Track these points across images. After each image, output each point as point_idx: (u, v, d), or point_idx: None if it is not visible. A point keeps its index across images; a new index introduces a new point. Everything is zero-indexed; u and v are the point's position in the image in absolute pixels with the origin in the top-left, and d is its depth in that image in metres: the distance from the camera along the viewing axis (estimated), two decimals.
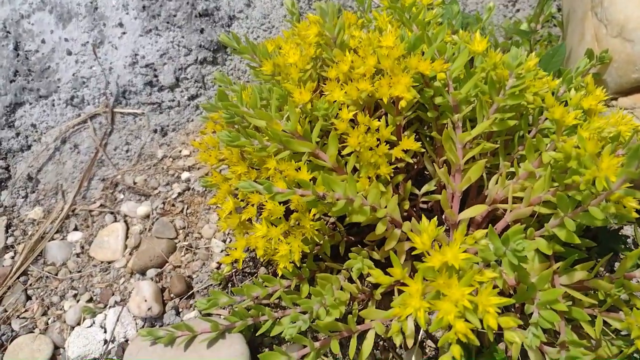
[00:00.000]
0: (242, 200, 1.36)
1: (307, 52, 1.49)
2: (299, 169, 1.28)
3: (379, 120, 1.29)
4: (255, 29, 2.02)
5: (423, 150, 1.39)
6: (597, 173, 1.07)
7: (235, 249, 1.31)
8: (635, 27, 1.51)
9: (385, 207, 1.27)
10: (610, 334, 1.41)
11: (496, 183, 1.44)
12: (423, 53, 1.37)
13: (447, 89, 1.36)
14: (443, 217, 1.58)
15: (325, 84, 1.55)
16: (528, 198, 1.30)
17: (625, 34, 1.53)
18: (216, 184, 1.49)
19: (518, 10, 2.46)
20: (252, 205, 1.35)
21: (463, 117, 1.35)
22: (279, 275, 1.35)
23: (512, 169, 1.44)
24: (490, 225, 1.15)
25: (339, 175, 1.36)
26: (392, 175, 1.29)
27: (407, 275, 1.07)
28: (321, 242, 1.33)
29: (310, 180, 1.28)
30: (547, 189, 1.27)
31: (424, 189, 1.45)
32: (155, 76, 1.88)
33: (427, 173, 1.56)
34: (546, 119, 1.43)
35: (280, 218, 1.28)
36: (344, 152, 1.30)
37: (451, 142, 1.36)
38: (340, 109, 1.33)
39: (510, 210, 1.35)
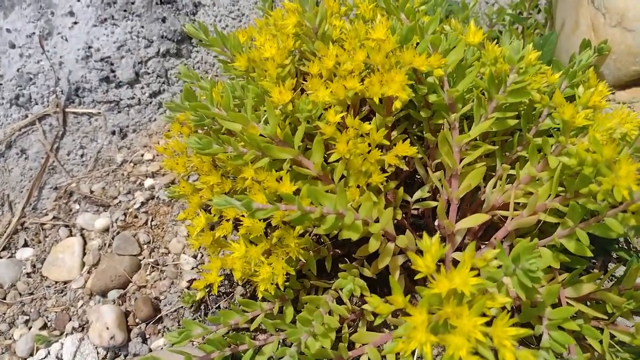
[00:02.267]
0: (215, 215, 1.21)
1: (285, 44, 1.33)
2: (281, 179, 1.14)
3: (369, 122, 1.15)
4: (223, 17, 1.85)
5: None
6: (615, 181, 0.96)
7: (209, 271, 1.16)
8: (636, 16, 1.42)
9: (378, 220, 1.14)
10: (615, 345, 1.33)
11: (494, 187, 1.33)
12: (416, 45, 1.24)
13: (441, 85, 1.23)
14: (436, 224, 1.46)
15: (305, 80, 1.41)
16: (532, 206, 1.19)
17: (626, 23, 1.43)
18: (184, 195, 1.34)
19: None
20: (228, 220, 1.20)
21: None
22: (259, 298, 1.20)
23: (511, 172, 1.32)
24: (498, 242, 1.03)
25: (324, 184, 1.22)
26: (384, 183, 1.16)
27: (409, 304, 0.94)
28: (306, 259, 1.19)
29: (293, 192, 1.14)
30: (553, 195, 1.16)
31: (417, 195, 1.33)
32: (112, 71, 1.69)
33: (418, 177, 1.44)
34: (548, 115, 1.32)
35: (260, 236, 1.13)
36: (330, 159, 1.15)
37: (447, 145, 1.24)
38: (325, 110, 1.19)
39: (512, 218, 1.24)
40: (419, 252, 0.99)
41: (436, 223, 1.44)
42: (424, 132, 1.37)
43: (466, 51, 1.35)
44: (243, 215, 1.17)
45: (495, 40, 2.05)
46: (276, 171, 1.19)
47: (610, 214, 1.02)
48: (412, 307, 0.93)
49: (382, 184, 1.16)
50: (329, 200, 1.06)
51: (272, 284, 1.13)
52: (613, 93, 1.57)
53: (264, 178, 1.17)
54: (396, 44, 1.17)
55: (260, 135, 1.16)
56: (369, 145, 1.13)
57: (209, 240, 1.19)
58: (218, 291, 1.42)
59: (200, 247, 1.50)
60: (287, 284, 1.27)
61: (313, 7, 1.32)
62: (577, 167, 1.04)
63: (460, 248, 1.31)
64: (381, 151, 1.17)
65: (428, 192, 1.35)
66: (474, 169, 1.22)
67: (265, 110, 1.27)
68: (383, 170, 1.16)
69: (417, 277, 0.97)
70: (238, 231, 1.19)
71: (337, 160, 1.16)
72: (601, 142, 1.08)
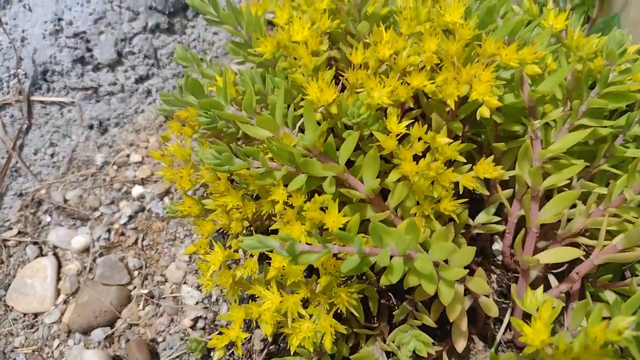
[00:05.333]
0: (236, 251, 0.94)
1: (319, 24, 1.05)
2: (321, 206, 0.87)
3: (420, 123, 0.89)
4: None
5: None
6: None
7: (230, 323, 0.90)
8: None
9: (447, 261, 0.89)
10: None
11: (570, 208, 1.09)
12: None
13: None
14: (496, 248, 1.22)
15: (339, 70, 1.13)
16: (634, 239, 0.96)
17: None
18: (189, 214, 1.06)
19: None
20: (252, 256, 0.93)
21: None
22: (291, 351, 0.94)
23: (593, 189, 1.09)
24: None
25: (376, 209, 0.96)
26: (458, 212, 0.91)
27: None
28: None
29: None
30: None
31: (481, 218, 1.09)
32: (89, 50, 1.37)
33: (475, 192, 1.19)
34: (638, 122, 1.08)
35: (298, 281, 0.87)
36: (389, 180, 0.89)
37: (527, 161, 0.99)
38: (379, 113, 0.93)
39: (601, 249, 1.01)
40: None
41: (496, 247, 1.21)
42: (488, 139, 1.12)
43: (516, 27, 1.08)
44: (271, 251, 0.91)
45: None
46: (317, 194, 0.92)
47: None
48: None
49: (455, 213, 0.90)
50: (396, 239, 0.81)
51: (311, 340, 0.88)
52: None
53: (300, 203, 0.91)
54: (475, 30, 0.90)
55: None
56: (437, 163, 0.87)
57: (228, 282, 0.92)
58: None
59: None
60: None
61: None
62: None
63: (533, 287, 1.08)
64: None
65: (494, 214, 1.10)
66: (564, 193, 0.97)
67: (289, 106, 0.99)
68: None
69: (526, 351, 0.74)
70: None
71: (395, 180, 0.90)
72: None
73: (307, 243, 0.90)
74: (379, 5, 1.05)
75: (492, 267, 1.18)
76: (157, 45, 1.45)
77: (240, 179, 0.98)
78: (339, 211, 0.94)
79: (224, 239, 1.23)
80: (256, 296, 0.94)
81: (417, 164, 0.86)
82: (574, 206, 1.14)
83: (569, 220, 1.11)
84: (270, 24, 1.51)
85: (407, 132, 0.89)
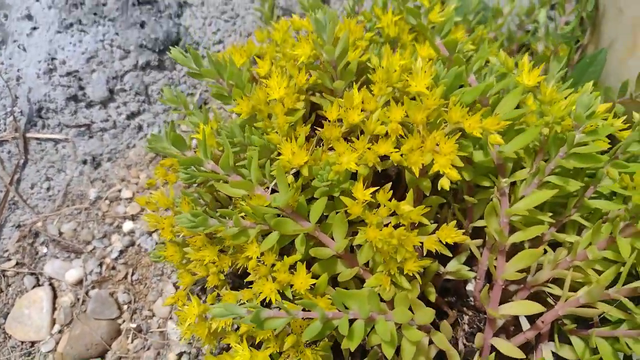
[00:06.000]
0: (212, 304, 0.99)
1: (296, 80, 1.08)
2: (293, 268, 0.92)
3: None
4: (214, 19, 1.56)
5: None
6: None
7: None
8: None
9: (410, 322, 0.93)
10: None
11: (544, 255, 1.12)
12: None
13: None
14: (469, 288, 1.27)
15: (318, 118, 1.17)
16: (594, 295, 1.00)
17: None
18: (170, 260, 1.11)
19: None
20: None
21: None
22: None
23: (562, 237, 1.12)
24: None
25: (346, 264, 1.01)
26: (422, 271, 0.95)
27: None
28: None
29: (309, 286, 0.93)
30: (620, 285, 0.97)
31: (452, 266, 1.13)
32: (82, 88, 1.41)
33: None
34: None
35: (267, 338, 0.92)
36: (356, 242, 0.94)
37: (495, 217, 1.03)
38: (347, 176, 0.97)
39: (566, 300, 1.05)
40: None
41: (469, 288, 1.25)
42: (463, 193, 1.15)
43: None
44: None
45: (528, 50, 1.80)
46: (286, 253, 0.97)
47: None
48: None
49: (418, 273, 0.94)
50: (358, 303, 0.85)
51: None
52: None
53: (272, 261, 0.96)
54: (441, 99, 0.93)
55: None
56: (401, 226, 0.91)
57: (204, 333, 0.98)
58: None
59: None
60: None
61: (332, 36, 1.06)
62: None
63: (503, 330, 1.12)
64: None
65: (464, 263, 1.14)
66: (530, 251, 1.01)
67: (266, 160, 1.04)
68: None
69: None
70: None
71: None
72: None
73: (277, 301, 0.96)
74: (354, 63, 1.08)
75: (464, 309, 1.22)
76: (148, 82, 1.49)
77: (217, 233, 1.03)
78: (311, 264, 1.00)
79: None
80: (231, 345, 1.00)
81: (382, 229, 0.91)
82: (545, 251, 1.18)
83: (540, 264, 1.16)
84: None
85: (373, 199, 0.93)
